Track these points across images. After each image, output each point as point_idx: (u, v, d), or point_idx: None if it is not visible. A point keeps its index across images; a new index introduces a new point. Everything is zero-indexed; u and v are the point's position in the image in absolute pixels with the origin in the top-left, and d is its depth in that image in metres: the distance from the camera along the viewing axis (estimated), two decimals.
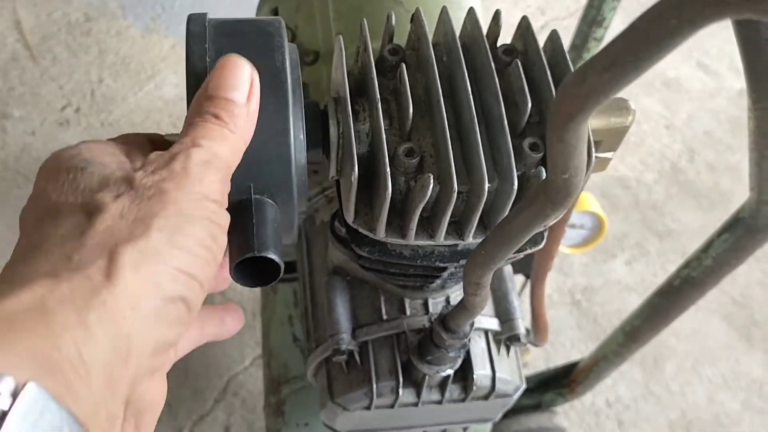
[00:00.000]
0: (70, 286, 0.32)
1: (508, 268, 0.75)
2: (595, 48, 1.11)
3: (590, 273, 1.60)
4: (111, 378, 0.32)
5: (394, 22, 0.57)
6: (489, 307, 0.72)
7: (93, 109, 1.61)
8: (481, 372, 0.68)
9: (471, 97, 0.52)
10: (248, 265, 0.45)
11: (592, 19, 1.06)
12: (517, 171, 0.51)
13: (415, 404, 0.70)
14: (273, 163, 0.47)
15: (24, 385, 0.28)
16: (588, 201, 1.16)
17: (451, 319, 0.57)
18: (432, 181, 0.49)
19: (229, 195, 0.44)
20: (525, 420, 1.26)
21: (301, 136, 0.49)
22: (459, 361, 0.66)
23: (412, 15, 0.58)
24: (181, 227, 0.37)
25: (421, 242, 0.54)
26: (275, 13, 0.88)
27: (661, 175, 1.75)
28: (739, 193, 1.73)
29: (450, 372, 0.66)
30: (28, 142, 1.55)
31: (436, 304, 0.69)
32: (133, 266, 0.34)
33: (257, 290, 1.21)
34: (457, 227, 0.54)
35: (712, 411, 1.45)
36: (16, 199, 1.48)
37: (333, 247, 0.67)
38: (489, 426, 1.02)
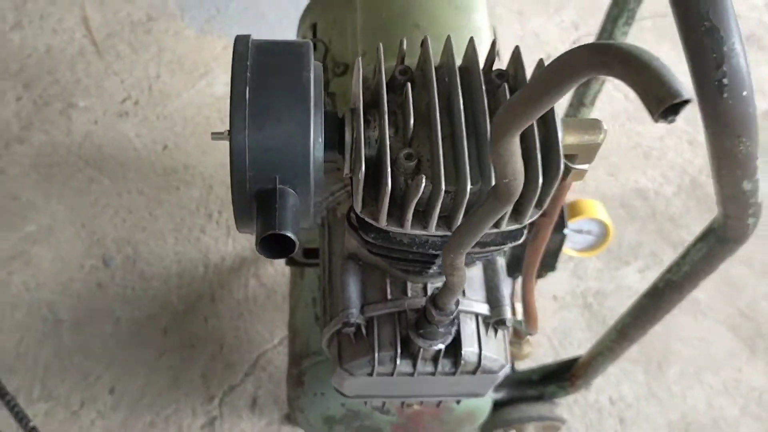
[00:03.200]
0: None
1: (501, 263, 0.85)
2: None
3: (603, 278, 1.69)
4: None
5: (405, 47, 0.68)
6: (481, 294, 0.82)
7: (150, 103, 1.76)
8: (469, 349, 0.79)
9: (462, 113, 0.63)
10: (270, 240, 0.57)
11: (607, 39, 1.16)
12: None
13: (411, 374, 0.81)
14: (295, 160, 0.59)
15: None
16: (596, 209, 1.25)
17: (439, 298, 0.68)
18: (424, 181, 0.60)
19: (258, 184, 0.56)
20: (526, 408, 1.35)
21: (320, 139, 0.61)
22: (449, 338, 0.77)
23: (422, 41, 0.69)
24: None
25: (416, 232, 0.65)
26: (314, 27, 1.00)
27: (680, 189, 1.82)
28: None
29: (441, 347, 0.77)
30: (91, 131, 1.71)
31: (434, 289, 0.80)
32: None
33: (288, 275, 1.33)
34: (447, 220, 0.65)
35: (710, 415, 1.53)
36: (77, 182, 1.64)
37: (348, 235, 0.78)
38: (488, 407, 1.13)
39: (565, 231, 1.18)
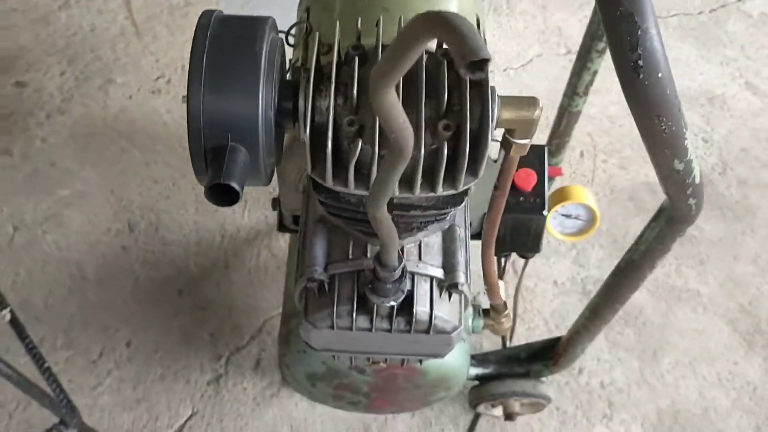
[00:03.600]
0: None
1: (461, 233, 0.92)
2: (597, 58, 1.25)
3: (605, 267, 1.72)
4: None
5: (360, 26, 0.76)
6: (437, 259, 0.89)
7: (181, 82, 1.87)
8: (421, 308, 0.86)
9: (401, 86, 0.70)
10: (217, 189, 0.65)
11: (593, 33, 1.21)
12: (433, 144, 0.69)
13: (369, 330, 0.88)
14: (245, 122, 0.67)
15: None
16: (584, 194, 1.30)
17: (380, 254, 0.75)
18: (360, 145, 0.68)
19: (212, 141, 0.64)
20: (511, 383, 1.41)
21: (272, 105, 0.69)
22: (401, 296, 0.84)
23: (376, 21, 0.76)
24: None
25: (359, 192, 0.73)
26: (308, 11, 1.08)
27: None
28: (765, 208, 1.81)
29: (393, 304, 0.84)
30: (126, 105, 1.83)
31: None
32: None
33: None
34: None
35: (701, 405, 1.56)
36: (110, 152, 1.76)
37: (316, 199, 0.86)
38: (462, 375, 1.19)
39: (548, 213, 1.24)
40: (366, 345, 0.94)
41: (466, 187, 0.74)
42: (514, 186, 1.19)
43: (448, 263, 0.89)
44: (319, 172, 0.73)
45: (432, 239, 0.90)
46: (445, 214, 0.80)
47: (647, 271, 1.00)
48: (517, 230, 1.21)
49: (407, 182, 0.72)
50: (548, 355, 1.41)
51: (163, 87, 1.87)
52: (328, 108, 0.71)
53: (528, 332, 1.63)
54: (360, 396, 1.19)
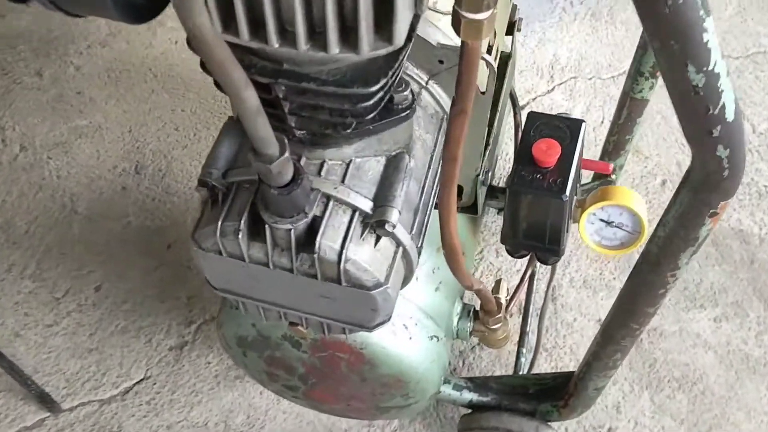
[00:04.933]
0: None
1: (411, 167, 0.69)
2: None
3: (666, 315, 1.42)
4: None
5: None
6: (367, 189, 0.67)
7: None
8: (328, 242, 0.64)
9: None
10: None
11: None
12: None
13: (266, 264, 0.67)
14: None
15: None
16: (631, 197, 1.04)
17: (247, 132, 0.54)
18: None
19: None
20: (507, 419, 1.14)
21: None
22: (301, 219, 0.63)
23: None
24: None
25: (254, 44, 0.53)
26: None
27: None
28: None
29: (289, 227, 0.63)
30: (169, 49, 1.72)
31: (308, 164, 0.66)
32: None
33: None
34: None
35: None
36: (140, 90, 1.65)
37: None
38: (425, 380, 0.94)
39: (581, 213, 0.99)
40: (270, 291, 0.73)
41: (372, 54, 0.52)
42: (531, 158, 0.95)
43: (382, 195, 0.67)
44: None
45: (368, 164, 0.69)
46: (358, 116, 0.59)
47: (667, 273, 0.73)
48: (532, 217, 0.96)
49: (281, 27, 0.51)
50: (559, 393, 1.13)
51: None
52: None
53: (553, 371, 1.35)
54: (296, 379, 0.96)
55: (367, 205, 0.66)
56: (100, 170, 1.53)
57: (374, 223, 0.66)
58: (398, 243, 0.69)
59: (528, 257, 1.14)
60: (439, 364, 0.95)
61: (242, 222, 0.65)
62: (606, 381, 1.01)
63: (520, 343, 1.31)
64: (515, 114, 1.10)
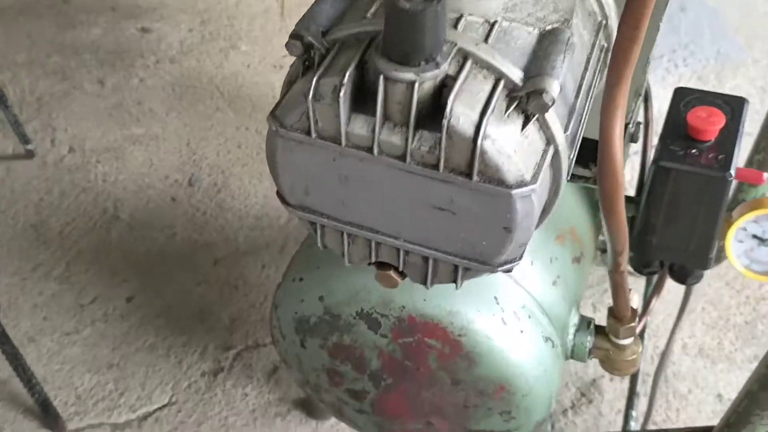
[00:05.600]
0: None
1: (573, 41, 0.52)
2: None
3: None
4: None
5: None
6: (516, 56, 0.50)
7: None
8: (461, 107, 0.46)
9: None
10: None
11: None
12: None
13: (369, 148, 0.49)
14: None
15: None
16: None
17: None
18: None
19: None
20: None
21: None
22: (427, 72, 0.45)
23: None
24: None
25: None
26: None
27: None
28: None
29: (413, 78, 0.45)
30: (240, 71, 1.61)
31: None
32: None
33: None
34: None
35: None
36: (204, 106, 1.53)
37: None
38: (543, 399, 0.72)
39: (732, 221, 0.81)
40: (363, 205, 0.54)
41: None
42: (684, 131, 0.77)
43: (536, 66, 0.49)
44: None
45: (517, 32, 0.52)
46: None
47: None
48: (680, 206, 0.77)
49: None
50: None
51: (286, 63, 1.64)
52: None
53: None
54: (365, 379, 0.75)
55: (516, 74, 0.49)
56: (151, 179, 1.39)
57: (525, 96, 0.48)
58: (550, 139, 0.50)
59: (656, 279, 0.94)
60: (552, 378, 0.73)
61: (346, 76, 0.48)
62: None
63: (629, 405, 1.08)
64: (646, 110, 0.93)
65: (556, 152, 0.51)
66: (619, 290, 0.71)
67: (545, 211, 0.55)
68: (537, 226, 0.55)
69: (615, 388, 1.16)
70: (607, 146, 0.54)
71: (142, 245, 1.28)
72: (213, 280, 1.24)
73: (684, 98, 0.80)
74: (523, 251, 0.54)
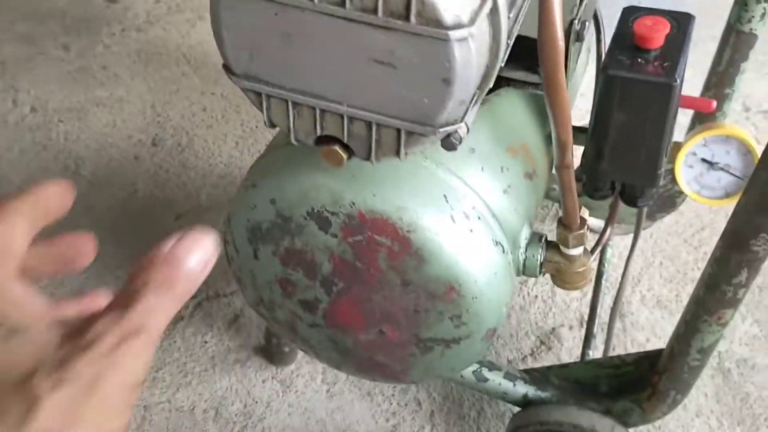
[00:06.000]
0: None
1: None
2: None
3: (757, 348, 1.17)
4: None
5: None
6: None
7: None
8: None
9: None
10: None
11: None
12: None
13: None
14: None
15: None
16: (739, 129, 0.87)
17: None
18: None
19: None
20: (576, 413, 0.89)
21: None
22: None
23: None
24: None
25: None
26: None
27: None
28: None
29: None
30: (207, 40, 1.62)
31: None
32: None
33: None
34: None
35: None
36: (170, 72, 1.53)
37: None
38: (492, 306, 0.72)
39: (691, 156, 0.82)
40: (306, 69, 0.54)
41: None
42: (630, 40, 0.78)
43: None
44: None
45: None
46: None
47: None
48: (627, 118, 0.78)
49: None
50: (643, 383, 0.89)
51: None
52: None
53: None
54: (317, 286, 0.74)
55: None
56: (114, 138, 1.38)
57: None
58: None
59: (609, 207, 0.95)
60: (502, 286, 0.73)
61: None
62: (706, 358, 0.79)
63: (586, 344, 1.08)
64: (599, 43, 0.95)
65: (495, 6, 0.52)
66: (566, 190, 0.72)
67: (486, 77, 0.56)
68: (479, 96, 0.55)
69: (574, 336, 1.16)
70: (546, 12, 0.55)
71: (104, 201, 1.27)
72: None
73: (632, 15, 0.82)
74: (465, 112, 0.54)
